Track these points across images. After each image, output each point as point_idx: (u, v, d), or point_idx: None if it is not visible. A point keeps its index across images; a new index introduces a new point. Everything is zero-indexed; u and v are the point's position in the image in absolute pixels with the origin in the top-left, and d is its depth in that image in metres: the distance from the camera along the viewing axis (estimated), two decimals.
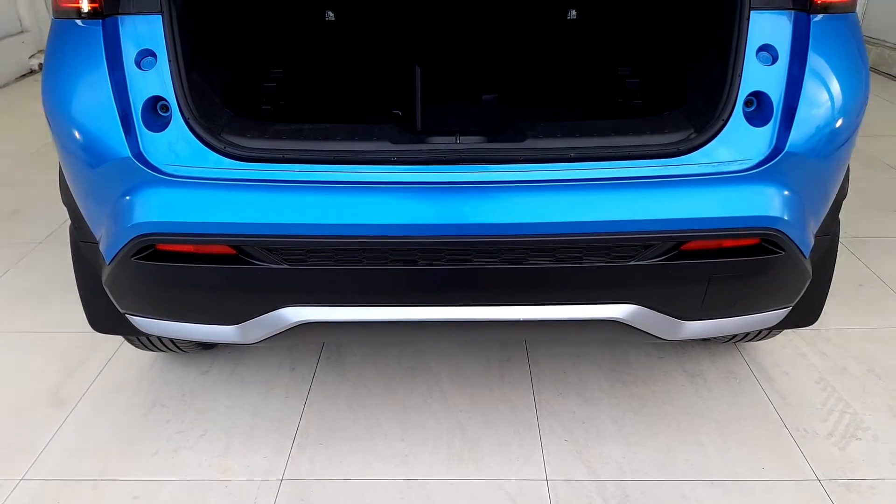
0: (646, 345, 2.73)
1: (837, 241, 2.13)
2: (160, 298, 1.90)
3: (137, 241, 1.74)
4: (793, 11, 1.78)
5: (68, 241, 2.15)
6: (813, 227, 1.89)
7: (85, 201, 1.89)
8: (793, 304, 1.99)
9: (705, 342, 2.73)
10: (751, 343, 2.72)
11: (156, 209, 1.75)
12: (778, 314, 2.01)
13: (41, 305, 3.01)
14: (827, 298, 2.21)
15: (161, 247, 1.78)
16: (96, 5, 1.78)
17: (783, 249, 1.76)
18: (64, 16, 1.83)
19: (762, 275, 1.83)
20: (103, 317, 2.17)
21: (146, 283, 1.85)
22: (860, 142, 4.57)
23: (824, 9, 1.78)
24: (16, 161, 4.53)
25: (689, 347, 2.72)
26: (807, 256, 1.85)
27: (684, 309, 1.90)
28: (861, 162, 4.35)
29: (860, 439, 2.29)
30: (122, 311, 1.99)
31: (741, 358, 2.67)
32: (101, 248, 1.87)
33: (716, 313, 1.94)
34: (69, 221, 2.06)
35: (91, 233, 1.93)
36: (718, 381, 2.56)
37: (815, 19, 1.78)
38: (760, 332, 2.41)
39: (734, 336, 2.50)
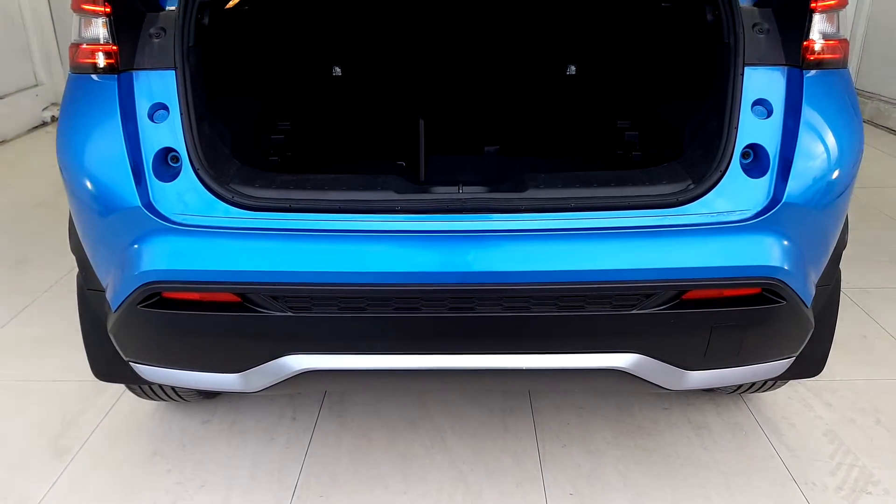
0: (650, 395, 2.71)
1: (839, 291, 2.14)
2: (164, 346, 1.91)
3: (144, 288, 1.76)
4: (786, 67, 1.84)
5: (73, 290, 2.17)
6: (814, 277, 1.91)
7: (94, 249, 1.92)
8: (796, 355, 1.99)
9: (710, 393, 2.71)
10: (756, 394, 2.70)
11: (163, 257, 1.78)
12: (782, 364, 2.01)
13: (44, 354, 3.02)
14: (831, 349, 2.21)
15: (167, 294, 1.80)
16: (112, 61, 1.84)
17: (784, 299, 1.77)
18: (80, 71, 1.89)
19: (764, 324, 1.84)
20: (106, 365, 2.17)
21: (151, 330, 1.86)
22: (860, 193, 4.60)
23: (817, 65, 1.84)
24: (25, 210, 4.59)
25: (693, 398, 2.70)
26: (808, 306, 1.86)
27: (687, 358, 1.90)
28: (862, 213, 4.39)
29: (870, 493, 2.25)
30: (125, 358, 2.00)
31: (747, 409, 2.65)
32: (108, 295, 1.89)
33: (719, 363, 1.94)
34: (75, 270, 2.09)
35: (98, 281, 1.96)
36: (724, 432, 2.53)
37: (807, 75, 1.83)
38: (766, 382, 2.40)
39: (739, 387, 2.48)
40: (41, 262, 3.83)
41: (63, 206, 2.05)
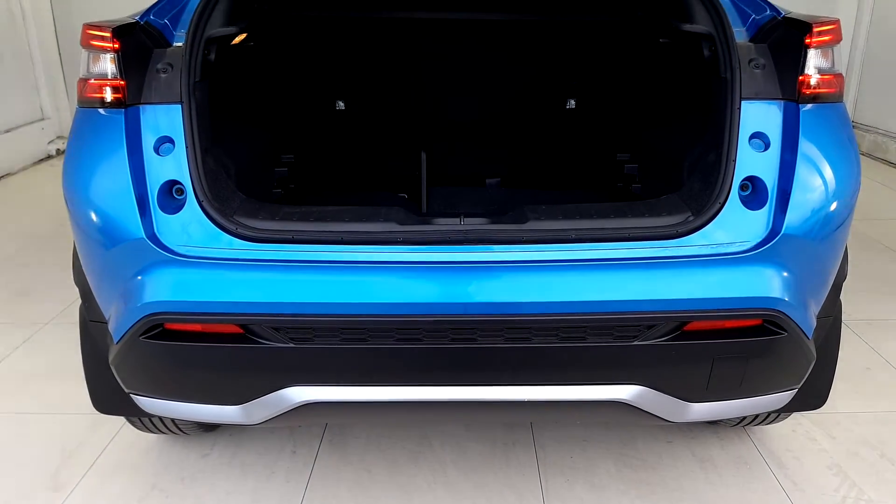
0: (653, 427, 2.69)
1: (840, 322, 2.14)
2: (166, 378, 1.91)
3: (147, 320, 1.77)
4: (782, 101, 1.87)
5: (74, 322, 2.17)
6: (814, 309, 1.91)
7: (97, 281, 1.93)
8: (799, 386, 1.99)
9: (714, 425, 2.69)
10: (760, 427, 2.68)
11: (166, 289, 1.79)
12: (784, 396, 2.00)
13: (44, 386, 3.01)
14: (834, 381, 2.20)
15: (169, 326, 1.81)
16: (119, 96, 1.88)
17: (785, 330, 1.78)
18: (88, 105, 1.92)
19: (766, 356, 1.84)
20: (107, 397, 2.17)
21: (153, 362, 1.87)
22: (861, 225, 4.62)
23: (813, 99, 1.87)
24: (27, 242, 4.62)
25: (697, 431, 2.68)
26: (810, 337, 1.86)
27: (690, 390, 1.90)
28: (862, 245, 4.40)
29: None
30: (126, 390, 1.99)
31: (751, 442, 2.62)
32: (110, 327, 1.90)
33: (722, 395, 1.93)
34: (76, 303, 2.09)
35: (101, 312, 1.96)
36: (728, 466, 2.51)
37: (804, 109, 1.86)
38: (769, 415, 2.39)
39: (743, 419, 2.47)
40: (43, 294, 3.84)
41: (66, 239, 2.07)
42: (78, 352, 2.16)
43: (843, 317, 2.18)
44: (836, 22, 1.92)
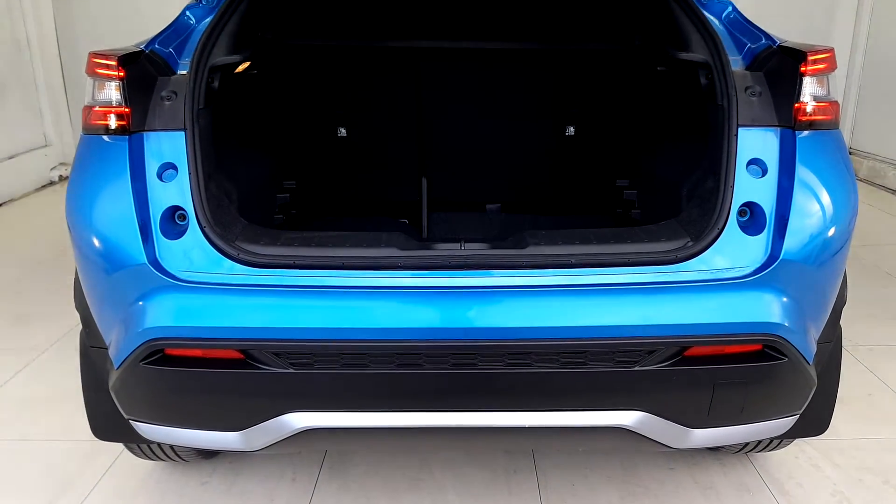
0: (655, 454, 2.67)
1: (840, 348, 2.14)
2: (166, 403, 1.90)
3: (147, 345, 1.77)
4: (779, 128, 1.90)
5: (73, 349, 2.16)
6: (814, 334, 1.91)
7: (99, 306, 1.93)
8: (800, 412, 1.98)
9: (716, 452, 2.67)
10: (763, 453, 2.66)
11: (167, 314, 1.79)
12: (786, 422, 2.00)
13: (43, 413, 2.99)
14: (836, 407, 2.19)
15: (170, 351, 1.81)
16: (124, 123, 1.90)
17: (785, 355, 1.78)
18: (93, 132, 1.95)
19: (767, 381, 1.84)
20: (106, 423, 2.16)
21: (153, 387, 1.86)
22: (861, 251, 4.63)
23: (809, 126, 1.90)
24: (28, 268, 4.62)
25: (699, 458, 2.66)
26: (810, 363, 1.86)
27: (691, 416, 1.89)
28: (862, 271, 4.41)
29: None
30: (126, 416, 1.98)
31: (753, 469, 2.61)
32: (111, 352, 1.90)
33: (723, 421, 1.92)
34: (76, 329, 2.09)
35: (101, 338, 1.96)
36: (731, 493, 2.49)
37: (800, 135, 1.88)
38: (771, 441, 2.37)
39: (745, 445, 2.45)
40: (43, 320, 3.84)
41: (67, 265, 2.08)
42: (77, 378, 2.16)
43: (844, 342, 2.18)
44: (831, 50, 1.95)
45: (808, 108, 1.89)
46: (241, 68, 2.46)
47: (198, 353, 1.82)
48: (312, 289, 1.78)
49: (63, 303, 2.93)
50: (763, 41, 2.07)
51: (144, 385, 1.86)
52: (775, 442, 2.39)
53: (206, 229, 1.82)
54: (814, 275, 1.85)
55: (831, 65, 1.95)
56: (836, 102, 1.97)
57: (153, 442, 2.18)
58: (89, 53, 1.96)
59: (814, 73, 1.91)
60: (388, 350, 1.75)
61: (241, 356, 1.79)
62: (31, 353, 3.50)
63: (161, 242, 1.83)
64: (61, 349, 3.52)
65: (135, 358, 1.79)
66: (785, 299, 1.80)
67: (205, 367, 1.81)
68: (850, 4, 6.71)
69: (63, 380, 3.15)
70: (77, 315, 2.08)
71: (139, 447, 2.38)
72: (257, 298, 1.78)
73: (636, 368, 1.78)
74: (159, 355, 1.80)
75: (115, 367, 1.85)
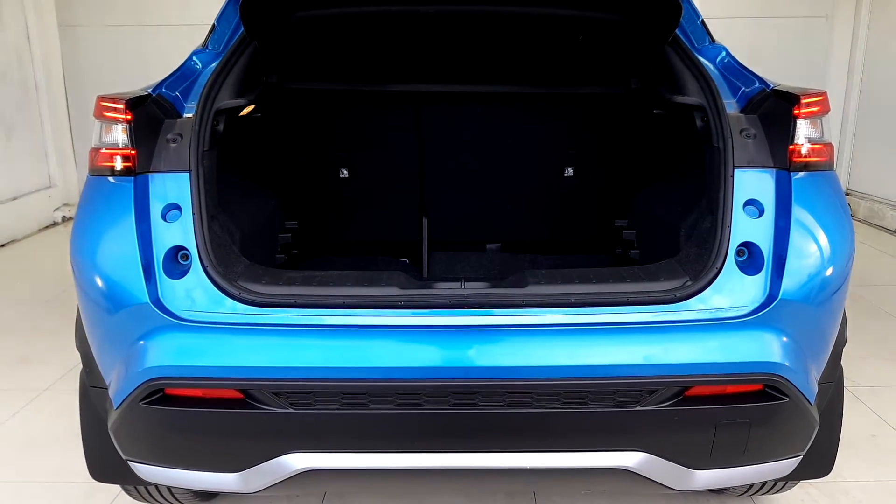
0: (657, 496, 2.63)
1: (842, 388, 2.13)
2: (165, 444, 1.89)
3: (148, 385, 1.77)
4: (774, 170, 1.93)
5: (73, 389, 2.16)
6: (815, 374, 1.91)
7: (100, 345, 1.94)
8: (803, 453, 1.96)
9: (719, 494, 2.63)
10: (766, 496, 2.63)
11: (168, 353, 1.79)
12: (789, 464, 1.98)
13: (41, 454, 2.97)
14: (840, 449, 2.18)
15: (170, 391, 1.81)
16: (130, 164, 1.93)
17: (787, 395, 1.78)
18: (98, 173, 1.98)
19: (769, 421, 1.83)
20: (104, 464, 2.14)
21: (152, 427, 1.85)
22: (861, 291, 4.63)
23: (804, 167, 1.93)
24: (29, 308, 4.63)
25: (703, 500, 2.63)
26: (812, 403, 1.85)
27: (694, 457, 1.88)
28: (863, 311, 4.41)
29: None
30: (124, 457, 1.97)
31: None
32: (111, 392, 1.89)
33: (726, 462, 1.91)
34: (75, 369, 2.10)
35: (102, 378, 1.96)
36: None
37: (795, 176, 1.92)
38: (775, 483, 2.34)
39: (749, 488, 2.43)
40: (43, 360, 3.83)
41: (68, 306, 2.09)
42: (75, 419, 2.15)
43: (847, 383, 2.17)
44: (823, 94, 1.99)
45: (803, 150, 1.93)
46: (245, 111, 2.51)
47: (198, 392, 1.82)
48: (313, 327, 1.79)
49: (64, 343, 2.93)
50: (757, 85, 2.12)
51: (144, 425, 1.85)
52: (779, 484, 2.36)
53: (209, 269, 1.84)
54: (813, 314, 1.86)
55: (824, 107, 1.99)
56: (831, 144, 2.01)
57: (151, 484, 2.15)
58: (97, 97, 2.00)
59: (807, 116, 1.95)
60: (388, 389, 1.75)
61: (241, 396, 1.79)
62: (30, 393, 3.48)
63: (163, 282, 1.85)
64: (61, 389, 3.51)
65: (135, 397, 1.79)
66: (785, 339, 1.80)
67: (204, 406, 1.81)
68: (844, 50, 6.85)
69: (62, 420, 3.14)
70: (77, 355, 2.08)
71: (136, 489, 2.35)
72: (258, 337, 1.78)
73: (637, 408, 1.77)
74: (159, 395, 1.79)
75: (115, 407, 1.85)
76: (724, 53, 2.38)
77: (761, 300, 1.83)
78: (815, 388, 1.88)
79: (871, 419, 3.20)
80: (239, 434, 1.85)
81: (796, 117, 1.93)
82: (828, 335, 1.93)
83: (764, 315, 1.80)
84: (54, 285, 4.97)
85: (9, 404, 3.38)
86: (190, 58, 2.36)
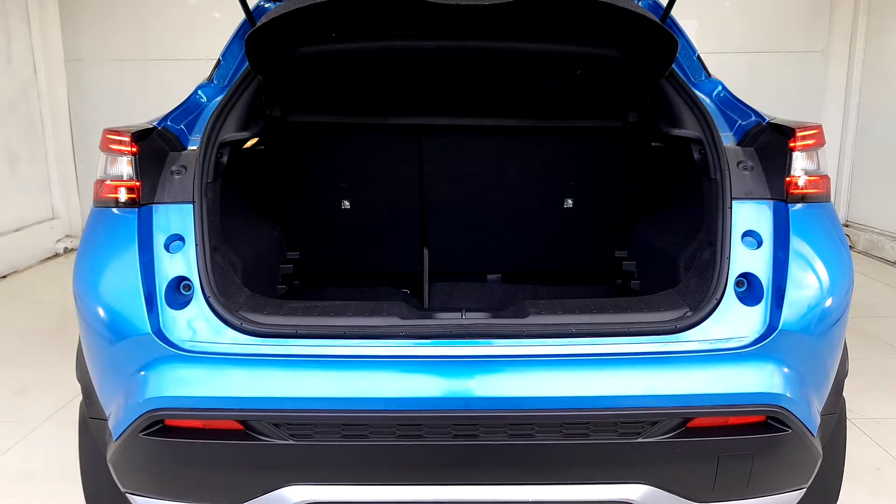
0: None
1: (845, 419, 2.13)
2: (164, 476, 1.88)
3: (148, 416, 1.77)
4: (772, 201, 1.95)
5: (71, 421, 2.15)
6: (817, 406, 1.91)
7: (101, 376, 1.94)
8: (807, 486, 1.95)
9: None
10: None
11: (169, 384, 1.80)
12: (793, 496, 1.96)
13: (39, 486, 2.94)
14: (844, 481, 2.16)
15: (170, 422, 1.80)
16: (134, 196, 1.96)
17: (789, 427, 1.77)
18: (103, 204, 2.00)
19: (771, 453, 1.82)
20: (102, 497, 2.13)
21: (151, 459, 1.85)
22: (862, 323, 4.62)
23: (801, 199, 1.95)
24: (29, 339, 4.62)
25: None
26: (815, 435, 1.85)
27: (697, 489, 1.87)
28: (865, 343, 4.39)
29: None
30: (123, 490, 1.96)
31: None
32: (110, 424, 1.89)
33: (729, 494, 1.89)
34: (74, 401, 2.09)
35: (101, 409, 1.96)
36: None
37: (793, 208, 1.94)
38: None
39: None
40: (42, 392, 3.81)
41: (67, 337, 2.09)
42: (74, 451, 2.14)
43: (850, 415, 2.17)
44: (819, 127, 2.02)
45: (800, 182, 1.95)
46: (249, 144, 2.55)
47: (198, 423, 1.81)
48: (314, 358, 1.79)
49: (63, 375, 2.93)
50: (753, 118, 2.15)
51: (143, 457, 1.85)
52: None
53: (211, 299, 1.85)
54: (813, 345, 1.86)
55: (820, 140, 2.02)
56: (827, 176, 2.03)
57: None
58: (104, 130, 2.03)
59: (803, 149, 1.98)
60: (388, 420, 1.74)
61: (241, 427, 1.79)
62: (29, 425, 3.46)
63: (165, 312, 1.86)
64: (60, 421, 3.49)
65: (134, 429, 1.79)
66: (786, 370, 1.80)
67: (204, 438, 1.81)
68: (839, 84, 6.94)
69: (61, 452, 3.11)
70: (76, 387, 2.07)
71: None
72: (259, 368, 1.79)
73: (640, 440, 1.77)
74: (159, 426, 1.79)
75: (115, 439, 1.84)
76: (720, 87, 2.43)
77: (761, 331, 1.83)
78: (818, 420, 1.87)
79: (876, 452, 3.17)
80: (238, 466, 1.84)
81: (792, 150, 1.96)
82: (829, 366, 1.93)
83: (764, 346, 1.81)
84: (55, 316, 4.96)
85: (7, 436, 3.35)
86: (195, 91, 2.40)
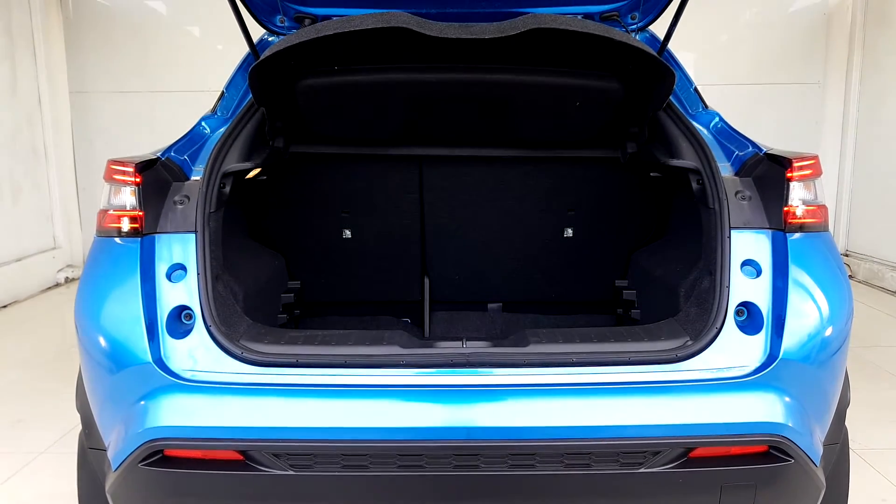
0: None
1: (848, 450, 2.12)
2: None
3: (147, 446, 1.76)
4: (770, 231, 1.96)
5: (69, 452, 2.14)
6: (820, 435, 1.90)
7: (101, 406, 1.93)
8: None
9: None
10: None
11: (168, 414, 1.79)
12: None
13: None
14: None
15: (169, 452, 1.79)
16: (137, 226, 1.97)
17: (791, 457, 1.76)
18: (105, 234, 2.02)
19: (774, 483, 1.81)
20: None
21: (151, 490, 1.83)
22: (863, 352, 4.61)
23: (799, 228, 1.96)
24: (28, 370, 4.60)
25: None
26: (818, 465, 1.83)
27: None
28: (866, 373, 4.37)
29: None
30: None
31: None
32: (109, 454, 1.88)
33: None
34: (73, 432, 2.08)
35: (101, 439, 1.95)
36: None
37: (791, 237, 1.95)
38: None
39: None
40: (41, 423, 3.78)
41: (67, 368, 2.08)
42: (72, 483, 2.12)
43: (854, 445, 2.15)
44: (815, 157, 2.05)
45: (798, 212, 1.97)
46: (251, 175, 2.57)
47: (197, 454, 1.80)
48: (315, 387, 1.79)
49: (61, 405, 2.91)
50: (750, 149, 2.18)
51: (142, 487, 1.84)
52: None
53: (212, 328, 1.85)
54: (814, 374, 1.86)
55: (816, 170, 2.04)
56: (825, 206, 2.05)
57: None
58: (108, 161, 2.06)
59: (801, 179, 2.00)
60: (389, 450, 1.73)
61: (241, 457, 1.78)
62: (27, 457, 3.43)
63: (166, 342, 1.86)
64: (58, 453, 3.46)
65: (134, 459, 1.78)
66: (787, 399, 1.80)
67: (203, 468, 1.80)
68: (836, 115, 7.01)
69: (59, 483, 3.08)
70: (75, 418, 2.07)
71: None
72: (259, 398, 1.79)
73: (641, 470, 1.75)
74: (158, 456, 1.78)
75: (114, 469, 1.83)
76: (717, 119, 2.46)
77: (762, 360, 1.83)
78: (821, 450, 1.86)
79: (881, 484, 3.14)
80: (238, 497, 1.83)
81: (789, 180, 1.98)
82: (830, 395, 1.93)
83: (766, 375, 1.80)
84: (53, 347, 4.95)
85: (4, 467, 3.33)
86: (199, 123, 2.43)
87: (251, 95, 2.37)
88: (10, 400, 4.13)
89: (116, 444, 1.84)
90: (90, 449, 2.03)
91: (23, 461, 3.39)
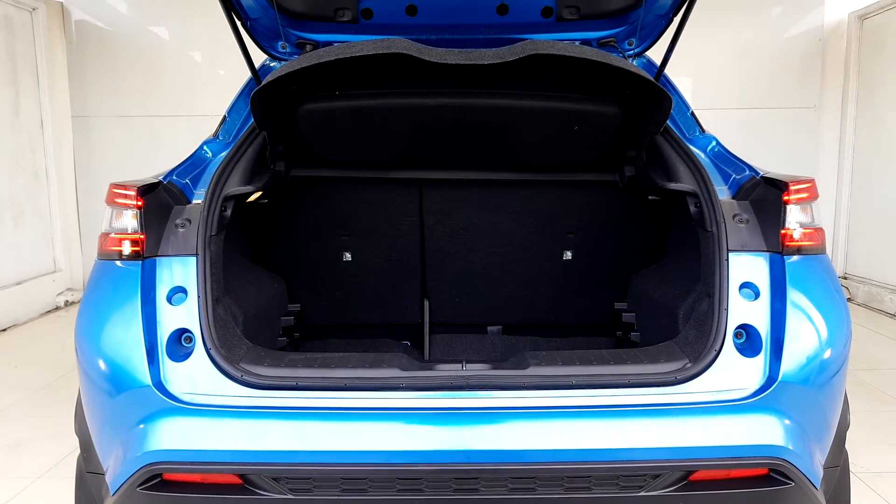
0: None
1: (848, 473, 2.11)
2: None
3: (146, 469, 1.76)
4: (767, 253, 1.98)
5: (66, 477, 2.12)
6: (820, 458, 1.90)
7: (100, 429, 1.93)
8: None
9: None
10: None
11: (167, 437, 1.79)
12: None
13: None
14: None
15: (168, 476, 1.79)
16: (138, 249, 1.98)
17: (792, 480, 1.76)
18: (107, 257, 2.03)
19: None
20: None
21: None
22: (862, 374, 4.60)
23: (796, 251, 1.98)
24: (26, 393, 4.58)
25: None
26: (818, 488, 1.83)
27: None
28: (867, 396, 4.36)
29: None
30: None
31: None
32: (108, 478, 1.87)
33: None
34: (70, 456, 2.07)
35: (99, 463, 1.95)
36: None
37: (789, 260, 1.96)
38: None
39: None
40: (38, 446, 3.76)
41: (65, 391, 2.06)
42: None
43: (854, 468, 2.14)
44: (811, 180, 2.07)
45: (795, 234, 1.98)
46: (252, 198, 2.59)
47: (196, 478, 1.80)
48: (314, 410, 1.79)
49: (59, 429, 2.89)
50: (747, 172, 2.20)
51: None
52: None
53: (212, 351, 1.85)
54: (814, 396, 1.86)
55: (813, 194, 2.05)
56: (822, 229, 2.07)
57: None
58: (110, 184, 2.07)
59: (797, 202, 2.01)
60: (388, 474, 1.73)
61: (240, 481, 1.77)
62: (24, 481, 3.41)
63: (166, 365, 1.86)
64: (55, 477, 3.43)
65: (132, 483, 1.77)
66: (787, 421, 1.80)
67: (202, 492, 1.79)
68: (833, 139, 7.06)
69: None
70: (73, 443, 2.06)
71: None
72: (259, 421, 1.78)
73: (642, 494, 1.75)
74: (157, 480, 1.77)
75: (112, 493, 1.83)
76: (714, 142, 2.48)
77: (761, 382, 1.84)
78: (821, 472, 1.86)
79: None
80: None
81: (786, 203, 2.00)
82: (830, 418, 1.93)
83: (765, 398, 1.81)
84: (53, 370, 4.93)
85: (2, 491, 3.30)
86: (201, 147, 2.46)
87: (253, 120, 2.40)
88: (8, 423, 4.11)
89: (115, 467, 1.84)
90: (88, 473, 2.02)
91: (20, 486, 3.36)
